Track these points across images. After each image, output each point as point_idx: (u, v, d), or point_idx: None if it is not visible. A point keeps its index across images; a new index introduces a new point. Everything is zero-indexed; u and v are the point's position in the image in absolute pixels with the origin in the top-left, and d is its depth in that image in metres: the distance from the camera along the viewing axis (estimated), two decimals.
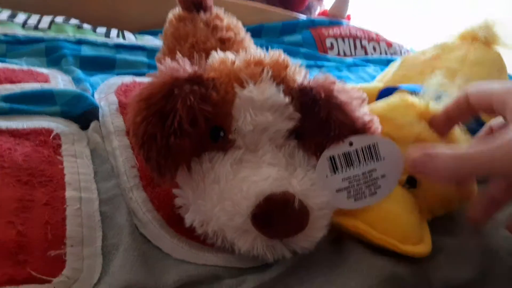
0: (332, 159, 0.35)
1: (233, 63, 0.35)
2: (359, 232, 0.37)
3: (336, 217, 0.38)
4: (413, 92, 0.40)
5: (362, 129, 0.36)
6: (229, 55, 0.36)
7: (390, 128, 0.38)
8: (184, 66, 0.34)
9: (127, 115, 0.34)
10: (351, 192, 0.36)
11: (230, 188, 0.31)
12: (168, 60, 0.34)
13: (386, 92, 0.51)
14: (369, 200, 0.37)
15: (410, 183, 0.39)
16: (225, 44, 0.49)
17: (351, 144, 0.36)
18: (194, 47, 0.48)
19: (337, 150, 0.35)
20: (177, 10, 0.56)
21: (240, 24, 0.55)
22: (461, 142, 0.39)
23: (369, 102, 0.38)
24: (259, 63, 0.34)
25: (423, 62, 0.59)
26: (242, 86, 0.33)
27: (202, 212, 0.33)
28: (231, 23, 0.54)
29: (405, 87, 0.48)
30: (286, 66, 0.35)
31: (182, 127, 0.31)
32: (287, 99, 0.33)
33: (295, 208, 0.29)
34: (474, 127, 0.40)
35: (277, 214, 0.29)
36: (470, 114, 0.36)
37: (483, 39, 0.59)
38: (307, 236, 0.32)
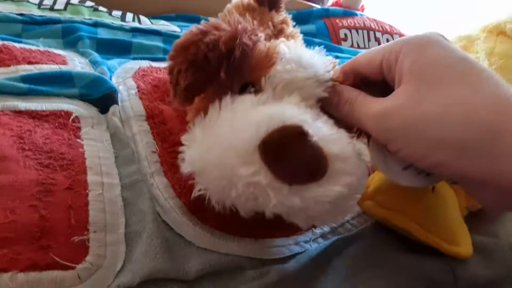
0: None
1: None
2: (407, 229, 0.36)
3: (383, 213, 0.37)
4: None
5: None
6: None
7: None
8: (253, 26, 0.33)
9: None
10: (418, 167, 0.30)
11: (245, 117, 0.27)
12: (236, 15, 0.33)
13: None
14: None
15: None
16: None
17: None
18: None
19: None
20: None
21: (301, 37, 0.54)
22: None
23: None
24: None
25: None
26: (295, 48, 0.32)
27: (206, 144, 0.28)
28: (295, 33, 0.53)
29: None
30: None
31: (219, 49, 0.29)
32: (331, 75, 0.32)
33: (312, 147, 0.25)
34: None
35: (289, 147, 0.25)
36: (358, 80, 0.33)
37: (510, 33, 0.58)
38: (323, 191, 0.25)
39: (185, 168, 0.29)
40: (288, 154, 0.24)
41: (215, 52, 0.29)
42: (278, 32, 0.50)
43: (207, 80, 0.30)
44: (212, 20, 0.32)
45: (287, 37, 0.50)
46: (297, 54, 0.31)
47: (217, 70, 0.29)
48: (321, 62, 0.31)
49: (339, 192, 0.26)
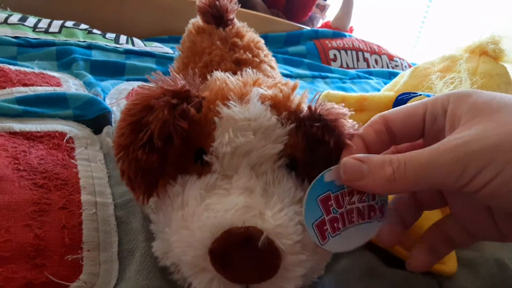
0: None
1: (225, 82, 0.31)
2: (392, 248, 0.37)
3: None
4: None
5: None
6: (227, 75, 0.32)
7: None
8: (176, 81, 0.30)
9: None
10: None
11: (192, 216, 0.26)
12: (160, 73, 0.31)
13: (402, 98, 0.52)
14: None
15: None
16: (240, 66, 0.45)
17: None
18: (207, 67, 0.45)
19: None
20: (197, 19, 0.54)
21: (262, 42, 0.52)
22: None
23: (386, 109, 0.38)
24: (255, 83, 0.31)
25: (434, 73, 0.60)
26: (227, 105, 0.29)
27: (165, 241, 0.28)
28: (251, 41, 0.50)
29: (423, 94, 0.49)
30: (288, 94, 0.31)
31: (152, 141, 0.28)
32: (274, 119, 0.28)
33: (258, 248, 0.24)
34: None
35: (237, 254, 0.24)
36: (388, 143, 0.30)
37: (492, 53, 0.60)
38: (277, 287, 0.26)
39: (155, 253, 0.30)
40: (235, 261, 0.25)
41: (153, 153, 0.28)
42: (231, 47, 0.48)
43: (158, 173, 0.30)
44: (138, 89, 0.30)
45: (241, 48, 0.48)
46: (231, 116, 0.28)
47: (164, 160, 0.29)
48: (257, 113, 0.28)
49: (295, 285, 0.26)
